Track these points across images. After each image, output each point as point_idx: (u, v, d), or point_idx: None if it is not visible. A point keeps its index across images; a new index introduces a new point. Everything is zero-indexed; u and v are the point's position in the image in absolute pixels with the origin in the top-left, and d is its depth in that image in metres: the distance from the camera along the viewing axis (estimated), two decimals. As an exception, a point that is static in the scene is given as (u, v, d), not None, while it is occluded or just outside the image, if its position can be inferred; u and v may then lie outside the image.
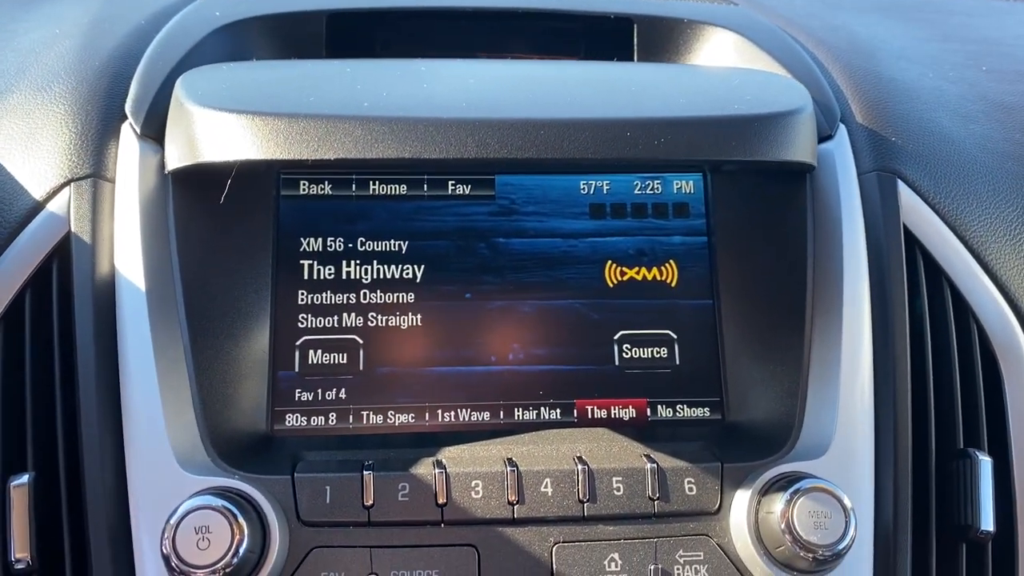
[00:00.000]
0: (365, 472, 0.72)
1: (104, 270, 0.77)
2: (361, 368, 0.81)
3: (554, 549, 0.73)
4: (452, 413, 0.81)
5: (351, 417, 0.80)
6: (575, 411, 0.82)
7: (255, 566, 0.68)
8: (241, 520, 0.67)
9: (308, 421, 0.79)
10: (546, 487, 0.74)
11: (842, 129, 0.90)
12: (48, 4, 1.06)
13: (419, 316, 0.82)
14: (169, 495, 0.69)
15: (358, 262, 0.83)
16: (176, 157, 0.76)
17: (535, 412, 0.81)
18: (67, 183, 0.79)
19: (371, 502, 0.72)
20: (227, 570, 0.66)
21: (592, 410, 0.82)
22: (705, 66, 0.99)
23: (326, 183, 0.85)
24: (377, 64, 0.86)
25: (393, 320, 0.82)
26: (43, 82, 0.87)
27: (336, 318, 0.82)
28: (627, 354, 0.83)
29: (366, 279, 0.83)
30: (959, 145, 0.92)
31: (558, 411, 0.82)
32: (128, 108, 0.83)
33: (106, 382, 0.74)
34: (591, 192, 0.87)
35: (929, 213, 0.87)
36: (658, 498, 0.74)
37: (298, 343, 0.81)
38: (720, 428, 0.82)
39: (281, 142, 0.70)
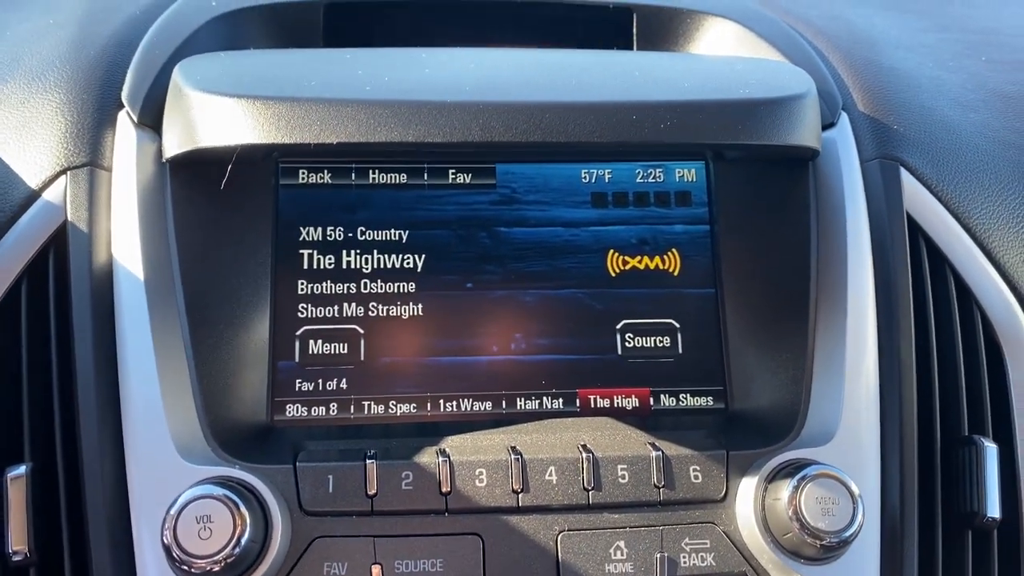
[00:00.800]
0: (368, 461, 0.72)
1: (101, 259, 0.76)
2: (362, 358, 0.80)
3: (559, 537, 0.72)
4: (454, 403, 0.80)
5: (352, 407, 0.79)
6: (577, 400, 0.81)
7: (257, 556, 0.67)
8: (243, 510, 0.66)
9: (309, 411, 0.79)
10: (550, 475, 0.73)
11: (844, 117, 0.90)
12: (42, -6, 1.05)
13: (420, 306, 0.82)
14: (169, 485, 0.68)
15: (358, 251, 0.83)
16: (175, 144, 0.76)
17: (537, 402, 0.81)
18: (63, 172, 0.78)
19: (374, 491, 0.71)
20: (229, 560, 0.65)
21: (595, 399, 0.81)
22: (707, 54, 0.98)
23: (325, 172, 0.84)
24: (378, 51, 0.86)
25: (394, 310, 0.81)
26: (38, 71, 0.86)
27: (336, 308, 0.81)
28: (629, 343, 0.83)
29: (366, 268, 0.82)
30: (960, 133, 0.92)
31: (560, 400, 0.81)
32: (125, 96, 0.82)
33: (104, 372, 0.73)
34: (593, 181, 0.86)
35: (932, 200, 0.87)
36: (663, 486, 0.73)
37: (298, 333, 0.80)
38: (724, 417, 0.82)
39: (283, 126, 0.69)
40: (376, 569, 0.70)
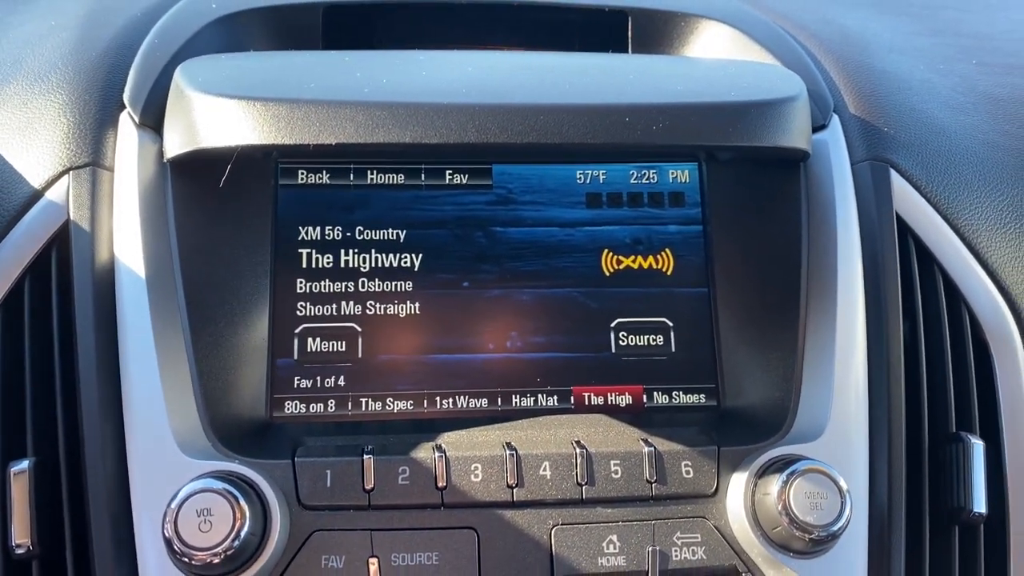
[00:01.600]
0: (365, 456, 0.73)
1: (103, 257, 0.77)
2: (360, 355, 0.81)
3: (553, 531, 0.73)
4: (450, 400, 0.81)
5: (350, 404, 0.80)
6: (572, 398, 0.82)
7: (256, 549, 0.68)
8: (243, 503, 0.67)
9: (307, 408, 0.80)
10: (545, 470, 0.74)
11: (835, 119, 0.91)
12: (44, -4, 1.06)
13: (417, 304, 0.83)
14: (170, 479, 0.69)
15: (356, 251, 0.84)
16: (176, 144, 0.77)
17: (532, 399, 0.82)
18: (66, 171, 0.79)
19: (371, 486, 0.72)
20: (228, 553, 0.66)
21: (589, 397, 0.83)
22: (701, 57, 1.00)
23: (324, 172, 0.85)
24: (376, 54, 0.87)
25: (391, 308, 0.83)
26: (41, 72, 0.87)
27: (334, 306, 0.82)
28: (623, 341, 0.84)
29: (364, 267, 0.83)
30: (950, 135, 0.93)
31: (555, 398, 0.82)
32: (126, 97, 0.83)
33: (106, 368, 0.74)
34: (587, 181, 0.88)
35: (921, 201, 0.88)
36: (655, 481, 0.75)
37: (297, 331, 0.82)
38: (716, 414, 0.83)
39: (282, 127, 0.70)
40: (373, 562, 0.71)
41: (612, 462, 0.75)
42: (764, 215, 0.86)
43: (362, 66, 0.79)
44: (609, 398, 0.83)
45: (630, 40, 1.03)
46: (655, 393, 0.84)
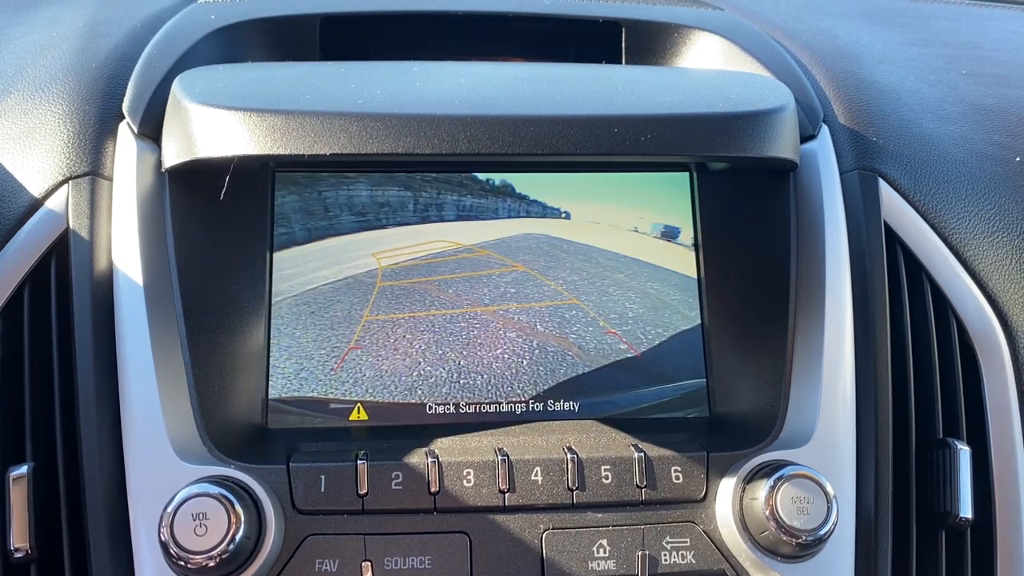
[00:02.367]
0: (359, 462, 0.74)
1: (102, 266, 0.78)
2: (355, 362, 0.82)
3: (544, 535, 0.74)
4: (444, 407, 0.82)
5: (344, 411, 0.81)
6: (562, 403, 0.83)
7: (251, 553, 0.70)
8: (238, 508, 0.68)
9: (302, 415, 0.81)
10: (536, 476, 0.75)
11: (825, 129, 0.92)
12: (45, 7, 1.07)
13: (412, 315, 0.84)
14: (167, 484, 0.70)
15: (352, 259, 0.85)
16: (174, 154, 0.78)
17: (524, 405, 0.83)
18: (65, 181, 0.81)
19: (365, 491, 0.73)
20: (223, 556, 0.67)
21: (579, 403, 0.84)
22: (692, 68, 1.01)
23: (321, 181, 0.86)
24: (371, 65, 0.88)
25: (387, 316, 0.84)
26: (41, 83, 0.88)
27: (330, 313, 0.83)
28: (615, 348, 0.85)
29: (359, 275, 0.85)
30: (939, 145, 0.94)
31: (546, 404, 0.83)
32: (126, 108, 0.84)
33: (104, 375, 0.75)
34: None
35: (909, 210, 0.89)
36: (645, 486, 0.76)
37: (293, 338, 0.83)
38: (706, 420, 0.84)
39: (278, 138, 0.71)
40: (367, 566, 0.72)
41: (603, 467, 0.76)
42: (754, 224, 0.87)
43: (357, 77, 0.80)
44: (599, 404, 0.84)
45: (624, 51, 1.04)
46: (646, 399, 0.85)
